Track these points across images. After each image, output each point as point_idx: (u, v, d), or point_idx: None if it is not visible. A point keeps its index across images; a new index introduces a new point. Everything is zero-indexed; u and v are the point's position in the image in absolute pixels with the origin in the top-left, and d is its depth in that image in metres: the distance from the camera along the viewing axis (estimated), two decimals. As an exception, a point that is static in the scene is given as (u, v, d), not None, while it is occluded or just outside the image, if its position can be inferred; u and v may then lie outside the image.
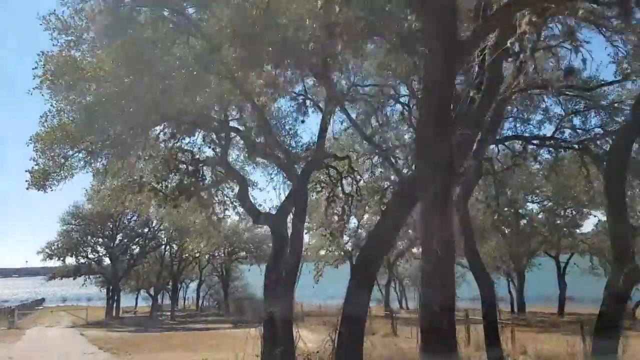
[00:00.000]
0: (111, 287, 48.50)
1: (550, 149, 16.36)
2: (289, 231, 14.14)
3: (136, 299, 56.95)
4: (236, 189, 18.14)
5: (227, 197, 17.93)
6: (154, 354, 19.81)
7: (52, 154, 12.31)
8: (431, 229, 6.82)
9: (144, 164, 15.10)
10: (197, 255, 49.27)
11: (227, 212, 18.13)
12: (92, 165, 13.20)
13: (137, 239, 47.38)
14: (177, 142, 15.77)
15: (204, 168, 17.26)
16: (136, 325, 40.58)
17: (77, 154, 12.60)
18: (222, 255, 50.94)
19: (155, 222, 48.30)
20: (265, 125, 13.54)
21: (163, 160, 15.84)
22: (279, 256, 13.76)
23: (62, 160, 12.48)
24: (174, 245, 49.21)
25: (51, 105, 11.97)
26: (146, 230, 47.81)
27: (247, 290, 57.24)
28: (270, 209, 15.82)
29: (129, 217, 47.39)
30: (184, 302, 59.38)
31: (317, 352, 12.91)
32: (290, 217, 14.36)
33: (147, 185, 16.15)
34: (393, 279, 48.87)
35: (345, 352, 9.35)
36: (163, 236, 49.25)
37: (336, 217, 17.29)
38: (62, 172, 12.67)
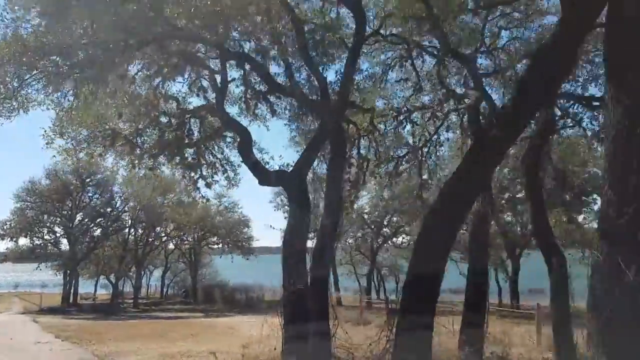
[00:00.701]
0: (68, 272, 44.54)
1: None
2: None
3: (95, 285, 52.94)
4: (226, 151, 15.38)
5: (216, 157, 15.10)
6: (121, 343, 16.83)
7: (3, 75, 9.29)
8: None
9: (118, 107, 12.12)
10: (165, 239, 45.95)
11: (215, 177, 15.27)
12: (54, 96, 10.22)
13: (98, 220, 43.54)
14: (160, 83, 12.86)
15: (192, 120, 14.39)
16: (96, 313, 37.15)
17: (36, 78, 9.58)
18: (192, 240, 47.69)
19: (119, 202, 44.73)
20: (303, 49, 10.77)
21: (143, 105, 12.91)
22: (301, 223, 11.07)
23: (16, 85, 9.46)
24: (139, 228, 45.65)
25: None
26: (109, 210, 44.01)
27: (215, 278, 54.29)
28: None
29: (90, 195, 43.63)
30: (147, 290, 55.64)
31: (371, 344, 10.30)
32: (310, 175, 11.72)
33: (121, 136, 13.16)
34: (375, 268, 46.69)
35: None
36: (127, 218, 45.64)
37: (348, 185, 14.64)
38: (14, 101, 9.67)
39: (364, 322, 24.43)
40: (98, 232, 44.64)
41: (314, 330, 9.75)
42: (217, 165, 15.10)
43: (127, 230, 45.54)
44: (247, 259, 46.96)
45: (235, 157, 15.21)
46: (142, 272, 48.37)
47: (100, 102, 11.63)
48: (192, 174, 14.86)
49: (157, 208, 42.96)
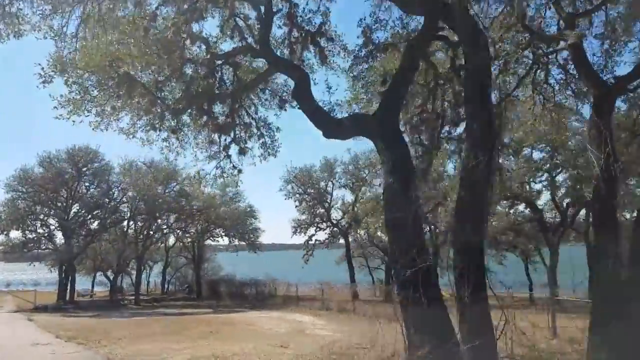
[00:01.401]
0: (64, 267, 41.71)
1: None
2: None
3: (93, 281, 50.14)
4: (261, 110, 12.79)
5: (251, 116, 12.46)
6: (137, 343, 14.24)
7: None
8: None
9: (136, 42, 9.48)
10: (166, 231, 43.20)
11: (249, 144, 12.63)
12: (54, 21, 7.61)
13: (96, 211, 40.65)
14: (186, 20, 10.20)
15: (223, 68, 11.74)
16: (95, 310, 34.43)
17: None
18: (195, 232, 44.93)
19: (117, 192, 41.90)
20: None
21: (164, 48, 10.27)
22: (406, 181, 8.28)
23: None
24: (139, 220, 42.83)
25: None
26: (107, 200, 41.14)
27: (218, 272, 51.62)
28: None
29: (87, 185, 40.74)
30: (147, 286, 52.87)
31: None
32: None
33: (138, 85, 10.51)
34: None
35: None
36: (126, 209, 42.82)
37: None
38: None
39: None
40: (95, 224, 41.81)
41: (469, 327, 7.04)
42: (253, 127, 12.48)
43: (126, 222, 42.74)
44: (255, 252, 44.30)
45: (273, 118, 12.62)
46: (142, 267, 45.52)
47: (112, 32, 8.99)
48: (224, 138, 12.25)
49: (158, 198, 40.17)
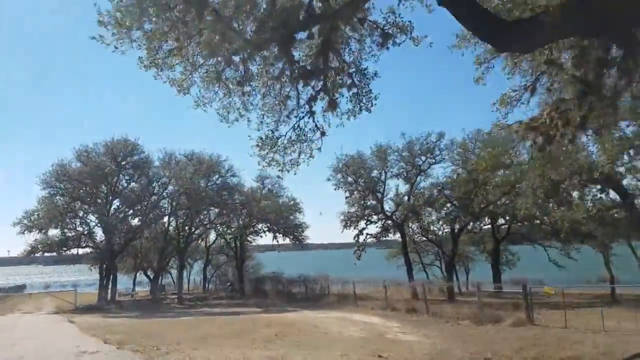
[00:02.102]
0: (105, 266, 40.04)
1: None
2: None
3: (134, 280, 48.58)
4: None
5: (343, 60, 9.77)
6: (200, 348, 11.74)
7: None
8: None
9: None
10: (208, 226, 41.02)
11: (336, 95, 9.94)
12: None
13: (137, 207, 38.68)
14: None
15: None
16: (138, 310, 32.47)
17: None
18: (237, 227, 42.63)
19: (157, 186, 39.91)
20: None
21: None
22: None
23: None
24: (181, 216, 40.77)
25: None
26: (148, 195, 39.14)
27: (258, 271, 49.39)
28: None
29: (127, 179, 38.84)
30: (188, 285, 51.11)
31: None
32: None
33: (210, 9, 7.96)
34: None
35: None
36: (167, 204, 40.84)
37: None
38: None
39: (495, 318, 19.05)
40: (136, 220, 39.97)
41: None
42: (344, 73, 9.77)
43: (166, 218, 40.79)
44: (301, 248, 41.77)
45: (370, 60, 9.89)
46: (184, 265, 43.55)
47: None
48: (307, 88, 9.59)
49: (200, 191, 38.01)
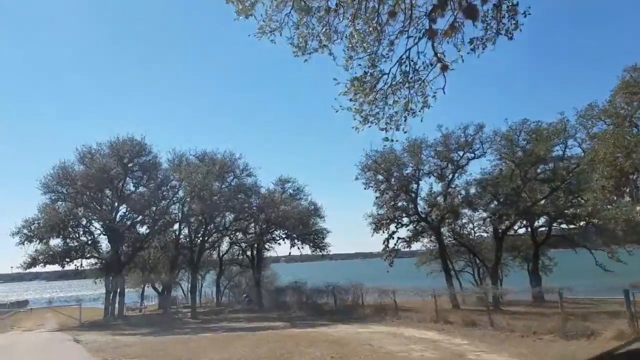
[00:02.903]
0: (111, 278, 36.86)
1: None
2: None
3: (141, 294, 45.33)
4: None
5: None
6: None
7: None
8: None
9: None
10: (223, 232, 37.81)
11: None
12: None
13: (145, 212, 35.51)
14: None
15: None
16: (149, 326, 29.24)
17: None
18: (254, 233, 39.43)
19: (165, 190, 36.75)
20: None
21: None
22: None
23: None
24: (193, 222, 37.58)
25: None
26: (157, 200, 35.94)
27: (273, 282, 46.13)
28: None
29: (135, 182, 35.72)
30: (200, 297, 47.86)
31: None
32: None
33: None
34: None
35: None
36: (177, 210, 37.70)
37: None
38: None
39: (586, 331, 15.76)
40: (144, 228, 36.80)
41: None
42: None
43: (177, 225, 37.62)
44: (321, 256, 38.38)
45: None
46: (197, 276, 40.32)
47: None
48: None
49: (214, 195, 34.81)
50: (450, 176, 31.34)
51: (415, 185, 32.03)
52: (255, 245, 40.70)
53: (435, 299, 23.51)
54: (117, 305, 35.14)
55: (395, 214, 32.46)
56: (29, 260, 33.06)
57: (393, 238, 33.10)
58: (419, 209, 32.48)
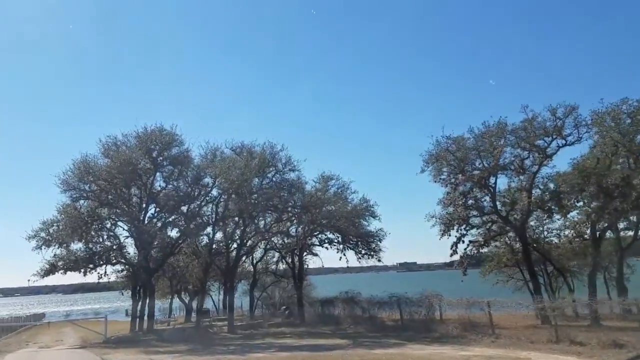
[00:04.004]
0: (138, 288, 32.76)
1: None
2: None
3: (170, 305, 41.07)
4: None
5: None
6: None
7: None
8: None
9: None
10: (264, 235, 33.42)
11: None
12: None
13: (178, 211, 31.23)
14: None
15: None
16: (186, 342, 24.95)
17: None
18: (297, 236, 34.99)
19: (197, 189, 32.50)
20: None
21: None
22: None
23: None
24: (229, 223, 33.28)
25: None
26: (189, 199, 31.60)
27: (309, 293, 41.67)
28: None
29: (166, 176, 31.55)
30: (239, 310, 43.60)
31: None
32: None
33: None
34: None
35: None
36: (210, 210, 33.40)
37: None
38: None
39: None
40: (174, 232, 32.59)
41: None
42: None
43: (210, 227, 33.29)
44: (378, 261, 33.65)
45: None
46: (233, 285, 35.94)
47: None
48: None
49: (253, 193, 30.50)
50: (535, 167, 26.62)
51: (493, 179, 27.34)
52: (297, 252, 36.27)
53: (552, 313, 18.83)
54: (145, 317, 30.85)
55: (467, 213, 27.87)
56: (47, 266, 28.99)
57: (463, 242, 28.50)
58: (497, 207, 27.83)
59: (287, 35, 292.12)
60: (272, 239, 35.06)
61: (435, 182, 27.83)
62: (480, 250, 29.72)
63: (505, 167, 27.40)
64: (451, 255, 29.41)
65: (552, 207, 26.50)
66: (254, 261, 40.73)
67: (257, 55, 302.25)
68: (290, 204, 31.40)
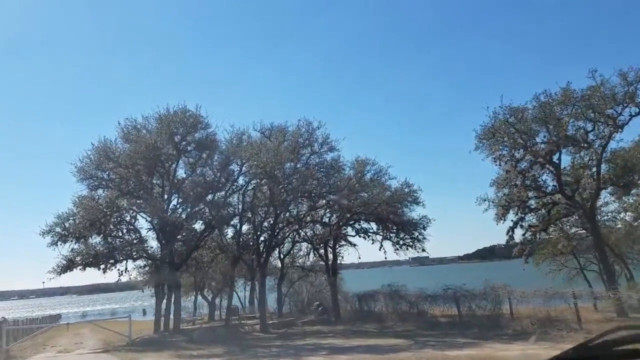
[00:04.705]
0: (162, 284, 30.21)
1: None
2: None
3: (194, 302, 38.53)
4: None
5: None
6: None
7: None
8: None
9: None
10: (297, 225, 30.72)
11: None
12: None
13: (205, 199, 28.53)
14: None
15: None
16: (220, 344, 22.37)
17: None
18: (332, 224, 32.18)
19: (223, 176, 29.80)
20: None
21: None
22: None
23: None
24: (259, 213, 30.58)
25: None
26: (224, 180, 28.75)
27: (342, 289, 38.88)
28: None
29: (192, 163, 28.92)
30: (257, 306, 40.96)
31: None
32: None
33: None
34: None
35: None
36: (236, 199, 30.73)
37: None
38: None
39: None
40: (199, 224, 29.93)
41: None
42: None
43: (237, 219, 30.54)
44: (422, 251, 30.62)
45: None
46: (264, 281, 33.14)
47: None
48: None
49: (286, 178, 27.72)
50: (607, 140, 23.57)
51: (558, 155, 24.28)
52: (330, 243, 33.50)
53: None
54: (171, 316, 28.28)
55: (526, 194, 24.95)
56: (64, 262, 26.47)
57: (521, 226, 25.59)
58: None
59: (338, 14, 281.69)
60: (303, 229, 32.23)
61: (494, 159, 24.75)
62: (538, 236, 26.77)
63: (576, 140, 24.25)
64: (507, 242, 26.54)
65: (625, 183, 23.50)
66: (282, 255, 38.08)
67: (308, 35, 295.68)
68: (324, 189, 28.46)
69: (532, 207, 26.30)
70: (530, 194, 25.71)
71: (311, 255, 38.43)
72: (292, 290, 42.64)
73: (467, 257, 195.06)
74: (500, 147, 24.51)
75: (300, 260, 41.68)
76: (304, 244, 37.53)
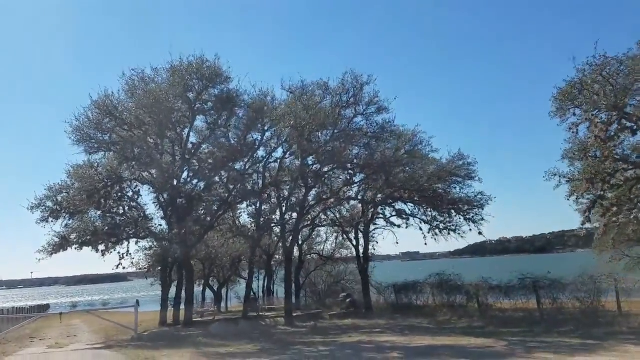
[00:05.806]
0: (170, 270, 25.97)
1: None
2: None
3: (203, 291, 34.30)
4: None
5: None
6: None
7: None
8: None
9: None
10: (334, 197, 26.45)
11: None
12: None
13: (220, 174, 24.24)
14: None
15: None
16: (245, 339, 18.17)
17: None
18: (367, 202, 27.87)
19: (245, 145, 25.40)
20: None
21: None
22: None
23: None
24: (285, 188, 26.28)
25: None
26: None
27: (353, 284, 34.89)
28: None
29: (210, 123, 24.43)
30: (273, 296, 36.91)
31: None
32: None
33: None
34: None
35: None
36: (257, 172, 26.35)
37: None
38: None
39: None
40: (215, 199, 25.47)
41: None
42: None
43: (261, 192, 26.12)
44: (479, 234, 26.08)
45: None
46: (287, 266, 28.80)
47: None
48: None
49: (320, 146, 23.36)
50: None
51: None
52: (361, 227, 29.28)
53: None
54: (182, 307, 23.96)
55: (614, 166, 20.81)
56: (57, 240, 22.06)
57: (602, 205, 21.49)
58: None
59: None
60: (337, 207, 27.90)
61: (586, 121, 20.40)
62: (618, 218, 22.64)
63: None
64: (583, 223, 22.43)
65: None
66: (300, 240, 33.82)
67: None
68: (374, 159, 23.77)
69: (613, 183, 22.14)
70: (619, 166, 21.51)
71: (331, 241, 34.47)
72: (307, 280, 38.59)
73: (459, 253, 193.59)
74: (590, 108, 20.19)
75: (318, 247, 37.80)
76: (323, 230, 33.43)
